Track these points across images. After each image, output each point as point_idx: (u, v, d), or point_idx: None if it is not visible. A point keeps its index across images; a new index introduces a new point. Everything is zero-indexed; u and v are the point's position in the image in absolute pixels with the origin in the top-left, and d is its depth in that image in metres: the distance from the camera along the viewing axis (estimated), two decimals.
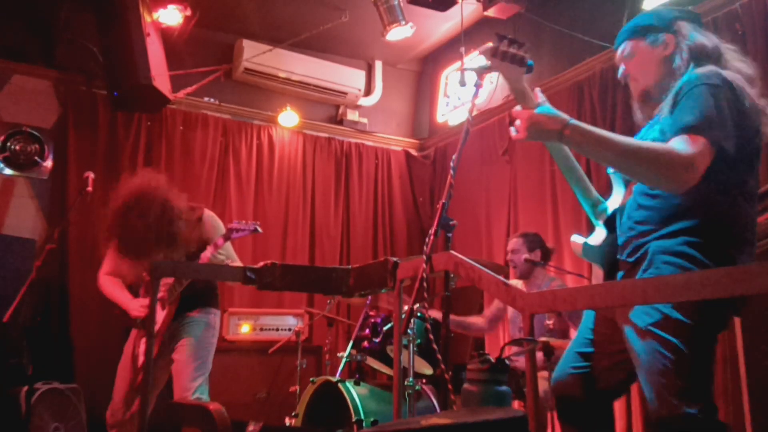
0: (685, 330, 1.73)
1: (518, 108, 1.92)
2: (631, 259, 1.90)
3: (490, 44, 2.00)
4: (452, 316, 3.95)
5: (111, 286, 3.38)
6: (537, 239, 3.86)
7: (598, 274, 2.09)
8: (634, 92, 2.05)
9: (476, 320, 4.06)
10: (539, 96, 2.07)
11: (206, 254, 3.17)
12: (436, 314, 3.74)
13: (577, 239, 2.11)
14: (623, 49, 2.05)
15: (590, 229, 2.16)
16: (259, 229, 3.27)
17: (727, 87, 1.78)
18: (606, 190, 2.16)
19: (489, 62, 2.02)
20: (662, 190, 1.82)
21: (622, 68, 2.06)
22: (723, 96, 1.76)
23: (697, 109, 1.75)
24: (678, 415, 1.72)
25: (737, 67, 1.88)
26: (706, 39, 1.95)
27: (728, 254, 1.77)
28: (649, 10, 2.12)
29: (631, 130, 2.10)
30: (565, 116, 1.80)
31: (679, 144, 1.72)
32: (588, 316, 2.12)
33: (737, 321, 2.66)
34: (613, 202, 2.09)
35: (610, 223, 2.03)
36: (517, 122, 1.85)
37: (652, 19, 2.02)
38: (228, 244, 3.33)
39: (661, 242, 1.82)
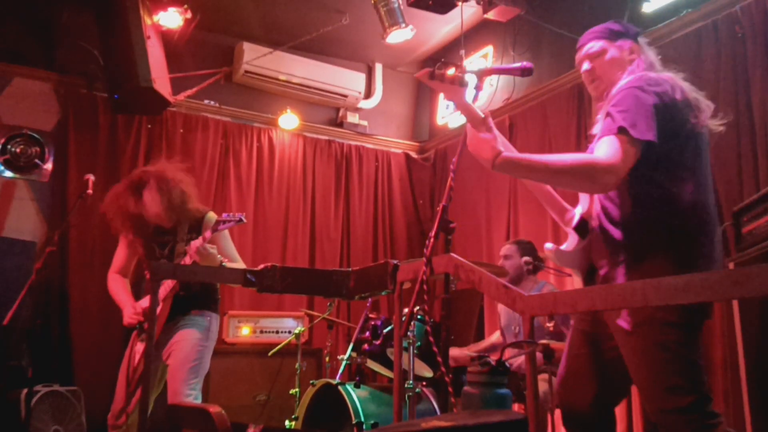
0: (667, 327, 1.78)
1: (469, 128, 2.01)
2: (611, 259, 1.96)
3: (426, 69, 2.06)
4: (475, 346, 3.97)
5: (115, 286, 3.37)
6: (530, 247, 3.83)
7: (576, 279, 2.13)
8: (594, 91, 2.14)
9: (495, 339, 4.01)
10: (489, 121, 2.11)
11: (196, 244, 3.16)
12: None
13: (549, 246, 2.16)
14: (591, 47, 2.14)
15: None
16: (244, 220, 3.26)
17: (653, 83, 1.90)
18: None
19: (430, 86, 2.09)
20: (590, 193, 2.02)
21: (586, 65, 2.14)
22: (646, 93, 1.87)
23: (620, 111, 1.86)
24: (670, 410, 1.77)
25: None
26: (656, 59, 2.12)
27: (691, 237, 1.86)
28: (616, 21, 2.23)
29: None
30: (499, 149, 1.92)
31: (602, 150, 1.85)
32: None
33: (737, 322, 2.66)
34: (580, 209, 2.15)
35: (581, 228, 2.09)
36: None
37: (622, 27, 2.17)
38: (227, 240, 3.33)
39: (632, 246, 1.90)
